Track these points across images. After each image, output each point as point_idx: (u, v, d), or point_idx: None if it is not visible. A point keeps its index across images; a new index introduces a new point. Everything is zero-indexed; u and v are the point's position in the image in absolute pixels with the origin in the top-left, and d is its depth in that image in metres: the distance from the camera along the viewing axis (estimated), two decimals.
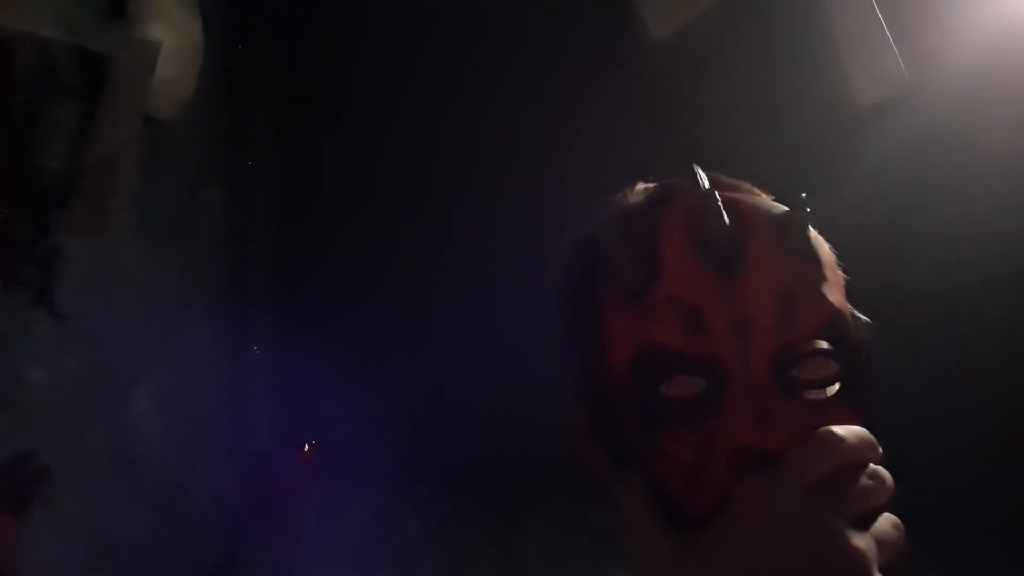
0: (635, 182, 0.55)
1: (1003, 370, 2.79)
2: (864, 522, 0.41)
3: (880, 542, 0.41)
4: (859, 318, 0.49)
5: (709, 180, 0.49)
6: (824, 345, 0.45)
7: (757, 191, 0.52)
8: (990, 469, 2.60)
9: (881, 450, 0.43)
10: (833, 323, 0.46)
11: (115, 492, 1.88)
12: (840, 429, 0.42)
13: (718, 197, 0.47)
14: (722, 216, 0.46)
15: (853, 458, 0.41)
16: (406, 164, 3.13)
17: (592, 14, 2.89)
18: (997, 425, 2.75)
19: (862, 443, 0.42)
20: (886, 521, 0.42)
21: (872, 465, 0.42)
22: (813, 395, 0.45)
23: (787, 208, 0.49)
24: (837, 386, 0.46)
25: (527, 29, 2.95)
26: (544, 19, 2.93)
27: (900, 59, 1.65)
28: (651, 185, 0.54)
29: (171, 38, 1.68)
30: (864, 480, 0.41)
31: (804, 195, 0.47)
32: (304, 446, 3.10)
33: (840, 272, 0.50)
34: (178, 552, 2.27)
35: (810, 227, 0.48)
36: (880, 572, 0.40)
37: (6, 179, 1.28)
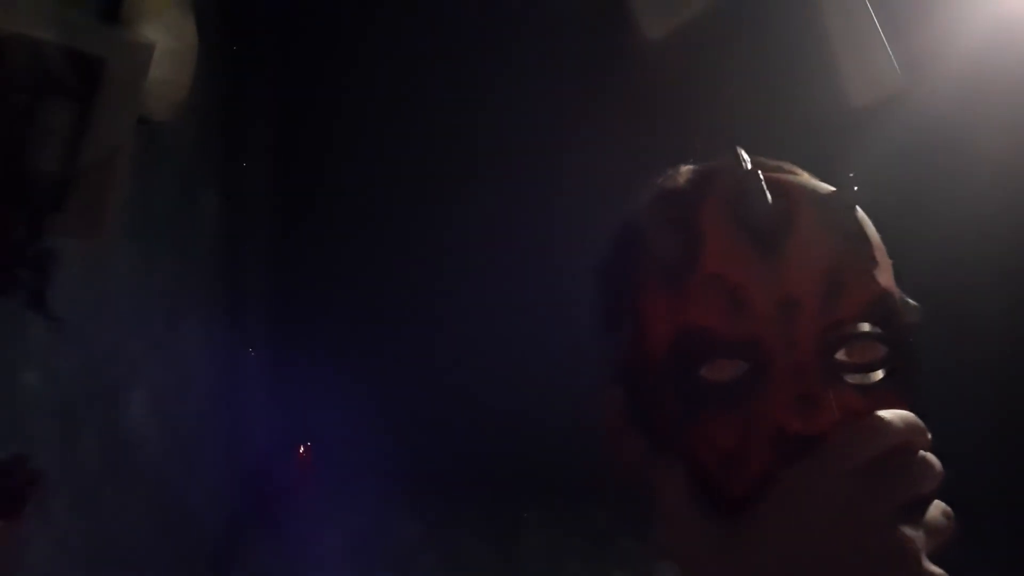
0: (677, 165, 0.53)
1: (1003, 370, 2.80)
2: (913, 509, 0.39)
3: (929, 530, 0.39)
4: (907, 302, 0.48)
5: (752, 161, 0.48)
6: (871, 328, 0.44)
7: (799, 171, 0.51)
8: (990, 469, 2.60)
9: (930, 436, 0.42)
10: (881, 305, 0.45)
11: (110, 495, 1.88)
12: (886, 413, 0.40)
13: (761, 176, 0.46)
14: (765, 194, 0.45)
15: (900, 442, 0.40)
16: (401, 167, 3.12)
17: (589, 16, 2.89)
18: (997, 425, 2.75)
19: (909, 427, 0.41)
20: (936, 509, 0.41)
21: (920, 451, 0.41)
22: (859, 379, 0.44)
23: (833, 188, 0.48)
24: (883, 371, 0.44)
25: (526, 34, 2.95)
26: (541, 24, 2.93)
27: (895, 60, 1.65)
28: (693, 167, 0.53)
29: (165, 40, 1.68)
30: (912, 466, 0.40)
31: (852, 175, 0.47)
32: (300, 448, 3.09)
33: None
34: (174, 554, 2.26)
35: (858, 207, 0.47)
36: (929, 560, 0.38)
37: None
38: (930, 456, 0.40)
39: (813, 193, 0.47)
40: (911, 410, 0.42)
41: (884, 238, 0.49)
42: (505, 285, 2.94)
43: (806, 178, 0.49)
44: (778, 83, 2.67)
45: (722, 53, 2.69)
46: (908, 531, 0.38)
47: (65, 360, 1.64)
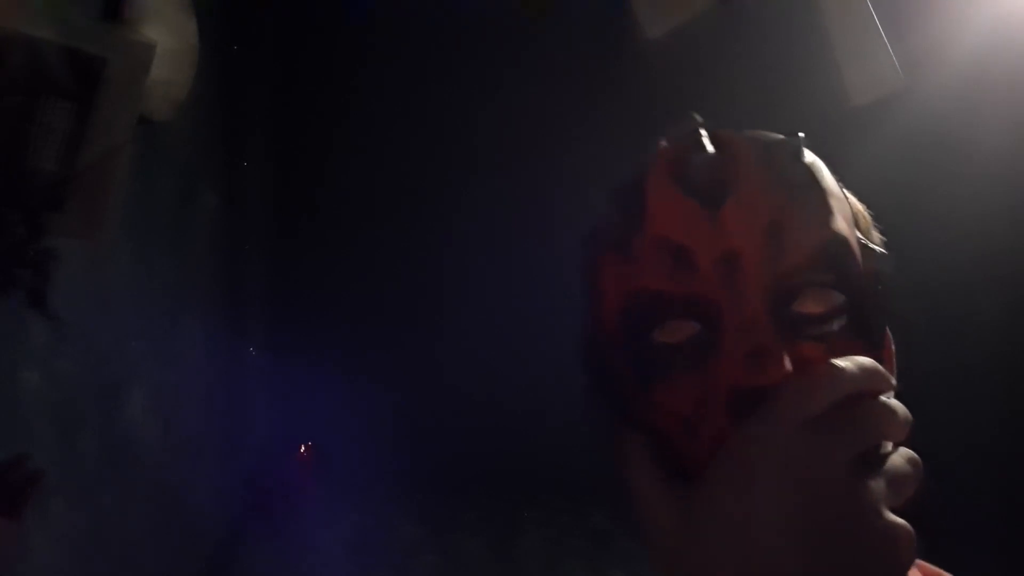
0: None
1: (1000, 370, 2.79)
2: (875, 459, 0.37)
3: (893, 480, 0.37)
4: (871, 248, 0.45)
5: (702, 123, 0.46)
6: (822, 275, 0.42)
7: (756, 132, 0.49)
8: (990, 469, 2.60)
9: (894, 381, 0.39)
10: (832, 252, 0.43)
11: (111, 494, 1.88)
12: (841, 361, 0.38)
13: (702, 131, 0.45)
14: (704, 147, 0.44)
15: (854, 390, 0.38)
16: (401, 167, 3.12)
17: (589, 15, 2.89)
18: (998, 425, 2.75)
19: (865, 373, 0.38)
20: (900, 457, 0.38)
21: (882, 398, 0.38)
22: (818, 330, 0.41)
23: (781, 137, 0.46)
24: (843, 319, 0.42)
25: (526, 35, 2.95)
26: (541, 25, 2.93)
27: (895, 59, 1.64)
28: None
29: (166, 40, 1.68)
30: (870, 414, 0.37)
31: (802, 135, 0.45)
32: (300, 447, 3.10)
33: (849, 202, 0.47)
34: (174, 553, 2.26)
35: (809, 155, 0.45)
36: (894, 512, 0.36)
37: None
38: (892, 402, 0.38)
39: (756, 144, 0.45)
40: (876, 358, 0.40)
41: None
42: (505, 286, 2.94)
43: (755, 132, 0.47)
44: (778, 82, 2.67)
45: (722, 52, 2.69)
46: (867, 482, 0.36)
47: (65, 359, 1.64)
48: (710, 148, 0.44)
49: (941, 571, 0.53)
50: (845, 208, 0.46)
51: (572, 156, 2.75)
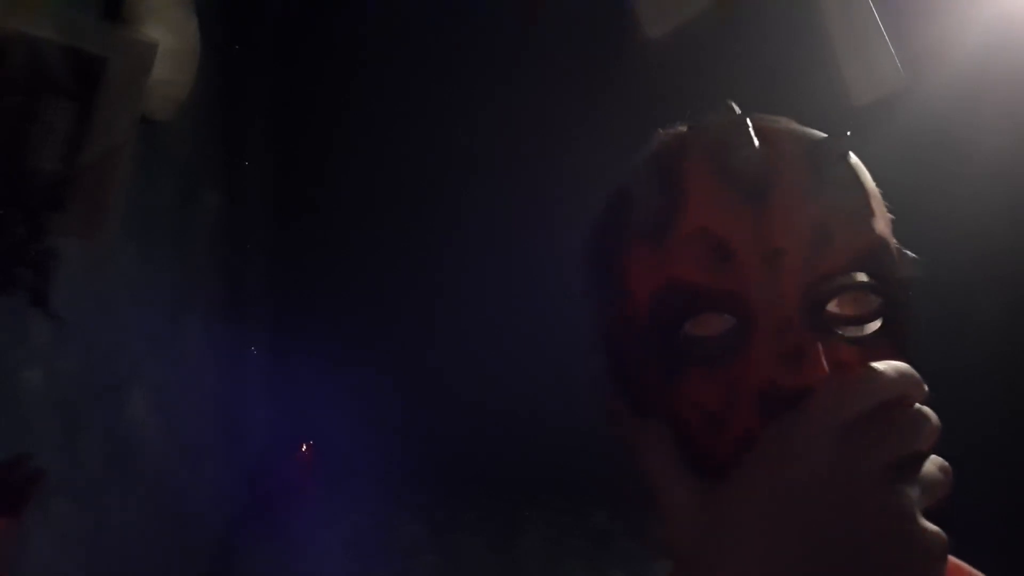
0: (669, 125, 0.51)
1: (1000, 370, 2.79)
2: (908, 465, 0.36)
3: (925, 486, 0.36)
4: (905, 253, 0.45)
5: (743, 113, 0.45)
6: (862, 277, 0.41)
7: (793, 123, 0.48)
8: (990, 469, 2.60)
9: (926, 388, 0.38)
10: (873, 254, 0.42)
11: (112, 493, 1.88)
12: (879, 364, 0.37)
13: (748, 123, 0.44)
14: (751, 141, 0.43)
15: (892, 396, 0.37)
16: (401, 166, 3.12)
17: (589, 15, 2.89)
18: (998, 425, 2.75)
19: (903, 379, 0.37)
20: (932, 464, 0.37)
21: (916, 405, 0.37)
22: (853, 331, 0.41)
23: (825, 135, 0.45)
24: (878, 323, 0.42)
25: (526, 33, 2.95)
26: (541, 24, 2.93)
27: (896, 58, 1.65)
28: (683, 126, 0.50)
29: (167, 39, 1.68)
30: (906, 420, 0.37)
31: (848, 133, 0.44)
32: (301, 447, 3.10)
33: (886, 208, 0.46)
34: (175, 551, 2.27)
35: (852, 156, 0.45)
36: (926, 519, 0.35)
37: (0, 180, 1.27)
38: (926, 410, 0.37)
39: (801, 140, 0.45)
40: (907, 362, 0.39)
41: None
42: (505, 286, 2.94)
43: (796, 127, 0.47)
44: (778, 82, 2.67)
45: (722, 52, 2.69)
46: (902, 488, 0.35)
47: (67, 359, 1.64)
48: (756, 142, 0.43)
49: (972, 569, 0.53)
50: (884, 211, 0.45)
51: (572, 156, 2.75)
